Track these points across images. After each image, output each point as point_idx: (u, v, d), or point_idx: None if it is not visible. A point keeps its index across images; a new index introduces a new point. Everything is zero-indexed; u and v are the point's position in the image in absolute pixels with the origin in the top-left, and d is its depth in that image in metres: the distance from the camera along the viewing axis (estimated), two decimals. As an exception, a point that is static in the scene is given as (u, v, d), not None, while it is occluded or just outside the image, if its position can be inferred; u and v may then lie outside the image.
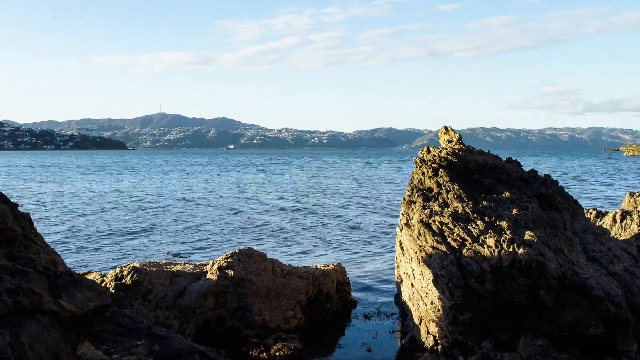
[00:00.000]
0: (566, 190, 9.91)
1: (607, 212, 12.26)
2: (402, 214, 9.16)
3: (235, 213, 25.36)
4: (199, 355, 4.06)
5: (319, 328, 9.08)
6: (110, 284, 8.10)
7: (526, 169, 10.16)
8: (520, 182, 9.36)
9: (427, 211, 8.31)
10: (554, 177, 10.04)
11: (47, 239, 6.72)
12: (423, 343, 7.90)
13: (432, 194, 9.06)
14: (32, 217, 6.36)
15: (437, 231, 7.91)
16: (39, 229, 6.53)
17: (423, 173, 9.59)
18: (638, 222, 10.87)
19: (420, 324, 8.16)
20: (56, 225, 21.23)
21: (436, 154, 9.93)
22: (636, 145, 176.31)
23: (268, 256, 9.25)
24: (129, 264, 8.50)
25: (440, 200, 8.73)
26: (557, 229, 8.23)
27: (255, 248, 9.40)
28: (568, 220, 8.70)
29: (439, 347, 7.60)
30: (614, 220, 11.41)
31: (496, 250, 7.12)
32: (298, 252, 16.10)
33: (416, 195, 9.11)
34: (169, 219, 23.04)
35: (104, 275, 8.50)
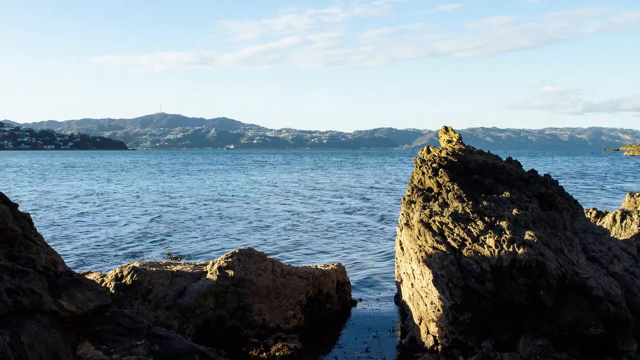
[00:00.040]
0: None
1: (607, 212, 12.27)
2: (402, 214, 9.16)
3: (236, 213, 25.36)
4: (199, 355, 4.06)
5: (319, 328, 9.08)
6: (110, 284, 8.10)
7: (530, 168, 10.16)
8: (520, 182, 9.36)
9: (427, 211, 8.31)
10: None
11: (47, 239, 6.72)
12: (423, 343, 7.91)
13: (432, 194, 9.07)
14: (32, 217, 6.36)
15: (437, 231, 7.92)
16: (38, 229, 6.53)
17: (423, 173, 9.59)
18: (638, 222, 10.87)
19: (420, 324, 8.16)
20: (56, 225, 21.23)
21: (436, 154, 9.94)
22: (636, 145, 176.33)
23: (268, 256, 9.25)
24: (129, 264, 8.50)
25: (440, 200, 8.73)
26: (557, 229, 8.23)
27: (255, 248, 9.40)
28: (568, 220, 8.70)
29: (439, 347, 7.60)
30: (614, 220, 11.41)
31: (496, 250, 7.12)
32: (298, 252, 16.10)
33: (416, 195, 9.11)
34: (169, 219, 23.04)
35: (104, 275, 8.50)
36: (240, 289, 8.43)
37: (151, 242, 17.65)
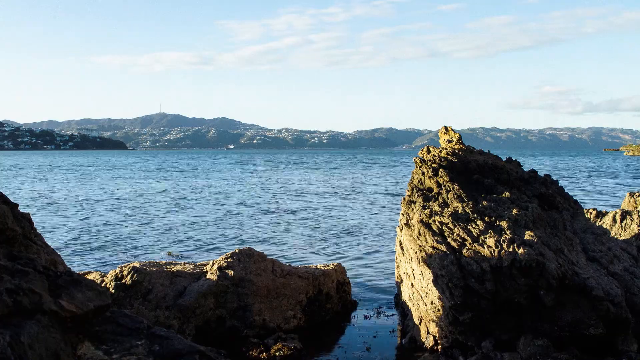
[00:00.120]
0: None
1: (607, 212, 12.27)
2: (402, 214, 9.16)
3: (236, 213, 25.36)
4: (199, 355, 4.06)
5: (319, 328, 9.08)
6: (110, 284, 8.10)
7: (529, 168, 10.16)
8: (520, 182, 9.36)
9: (427, 211, 8.31)
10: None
11: (47, 239, 6.72)
12: (423, 343, 7.91)
13: (432, 194, 9.07)
14: (32, 217, 6.36)
15: (437, 231, 7.92)
16: (38, 229, 6.53)
17: (423, 173, 9.59)
18: (638, 222, 10.87)
19: (420, 324, 8.16)
20: (56, 225, 21.23)
21: (436, 154, 9.94)
22: (636, 145, 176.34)
23: (268, 256, 9.26)
24: (129, 264, 8.50)
25: (440, 200, 8.73)
26: (557, 229, 8.23)
27: (255, 248, 9.40)
28: (568, 220, 8.70)
29: (439, 347, 7.60)
30: (614, 220, 11.41)
31: (496, 250, 7.12)
32: (298, 252, 16.10)
33: (416, 195, 9.12)
34: (169, 219, 23.04)
35: (104, 275, 8.50)
36: (240, 289, 8.43)
37: (151, 242, 17.65)
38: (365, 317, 9.67)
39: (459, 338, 7.31)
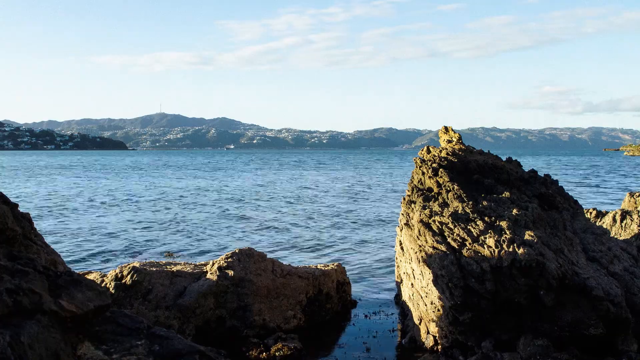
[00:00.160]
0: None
1: (607, 212, 12.27)
2: (402, 214, 9.16)
3: (236, 213, 25.36)
4: (199, 355, 4.06)
5: (319, 328, 9.08)
6: (110, 284, 8.10)
7: (528, 168, 10.16)
8: (520, 182, 9.36)
9: (427, 211, 8.31)
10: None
11: (47, 239, 6.72)
12: (423, 343, 7.91)
13: (432, 194, 9.07)
14: (32, 217, 6.36)
15: (437, 231, 7.92)
16: (38, 229, 6.53)
17: (423, 173, 9.60)
18: (638, 222, 10.87)
19: (420, 323, 8.16)
20: (56, 225, 21.23)
21: (436, 154, 9.94)
22: (636, 145, 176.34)
23: (268, 256, 9.26)
24: (129, 264, 8.50)
25: (440, 200, 8.74)
26: (557, 229, 8.23)
27: (255, 248, 9.40)
28: (568, 220, 8.70)
29: (439, 347, 7.60)
30: (614, 220, 11.41)
31: (496, 250, 7.12)
32: (298, 252, 16.10)
33: (416, 195, 9.12)
34: (169, 219, 23.04)
35: (104, 275, 8.50)
36: (240, 289, 8.43)
37: (151, 242, 17.65)
38: (365, 317, 9.67)
39: (459, 338, 7.31)
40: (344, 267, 10.64)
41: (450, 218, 7.96)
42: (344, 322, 9.48)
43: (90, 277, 8.63)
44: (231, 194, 35.65)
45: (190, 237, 18.69)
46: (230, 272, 8.45)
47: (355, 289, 11.28)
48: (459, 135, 10.88)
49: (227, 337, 8.13)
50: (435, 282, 7.46)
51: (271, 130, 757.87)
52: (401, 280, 9.56)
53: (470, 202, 8.32)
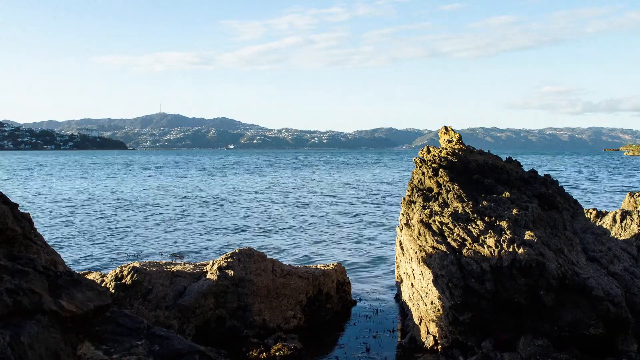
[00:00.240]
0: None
1: (607, 212, 12.27)
2: (402, 214, 9.16)
3: (236, 213, 25.37)
4: (199, 355, 4.06)
5: (319, 328, 9.08)
6: (110, 284, 8.10)
7: (527, 168, 10.16)
8: (520, 182, 9.36)
9: (427, 211, 8.31)
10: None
11: (47, 239, 6.72)
12: (423, 343, 7.91)
13: (432, 194, 9.07)
14: (32, 217, 6.36)
15: (437, 231, 7.92)
16: (38, 229, 6.53)
17: (423, 173, 9.60)
18: (638, 222, 10.87)
19: (420, 323, 8.16)
20: (56, 225, 21.24)
21: (436, 154, 9.94)
22: (636, 145, 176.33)
23: (268, 256, 9.26)
24: (129, 264, 8.50)
25: (440, 200, 8.73)
26: (557, 229, 8.23)
27: (255, 248, 9.40)
28: (568, 220, 8.70)
29: (439, 347, 7.60)
30: (614, 220, 11.41)
31: (496, 250, 7.12)
32: (298, 252, 16.10)
33: (416, 195, 9.12)
34: (169, 219, 23.04)
35: (104, 275, 8.50)
36: (240, 289, 8.43)
37: (151, 242, 17.65)
38: (365, 317, 9.67)
39: (459, 338, 7.31)
40: (344, 267, 10.64)
41: (450, 218, 7.96)
42: (344, 322, 9.48)
43: (90, 277, 8.63)
44: (232, 194, 35.65)
45: (190, 237, 18.69)
46: (230, 272, 8.45)
47: (355, 289, 11.28)
48: (459, 135, 10.88)
49: (227, 337, 8.13)
50: (435, 282, 7.46)
51: (271, 130, 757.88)
52: (401, 280, 9.56)
53: (470, 202, 8.32)
